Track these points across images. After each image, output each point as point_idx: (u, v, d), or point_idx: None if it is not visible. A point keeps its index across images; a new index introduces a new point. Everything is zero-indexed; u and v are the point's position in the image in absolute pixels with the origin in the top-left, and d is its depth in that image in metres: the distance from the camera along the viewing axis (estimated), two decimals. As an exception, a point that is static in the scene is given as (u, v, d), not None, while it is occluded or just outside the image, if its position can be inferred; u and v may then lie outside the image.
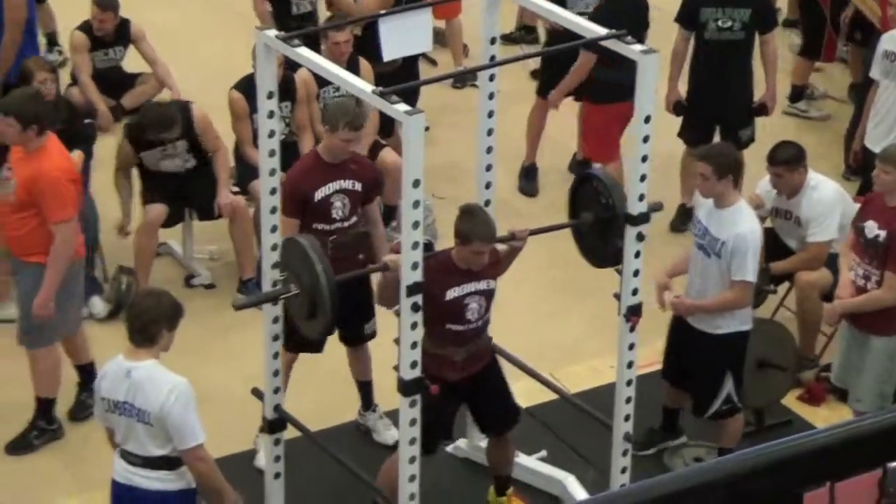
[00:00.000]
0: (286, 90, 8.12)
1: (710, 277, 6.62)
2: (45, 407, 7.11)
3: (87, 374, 7.19)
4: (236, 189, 8.25)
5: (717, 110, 8.60)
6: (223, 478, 5.63)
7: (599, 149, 8.84)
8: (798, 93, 10.30)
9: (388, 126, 8.56)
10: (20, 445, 7.07)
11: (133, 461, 5.56)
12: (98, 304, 8.00)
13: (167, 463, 5.53)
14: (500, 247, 6.16)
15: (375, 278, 6.70)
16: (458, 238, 5.97)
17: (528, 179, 9.37)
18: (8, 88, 8.72)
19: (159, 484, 5.55)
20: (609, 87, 8.44)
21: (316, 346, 6.80)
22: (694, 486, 1.81)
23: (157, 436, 5.48)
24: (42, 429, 7.11)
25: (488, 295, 6.12)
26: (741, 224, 6.53)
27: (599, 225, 6.16)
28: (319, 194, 6.68)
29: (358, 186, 6.78)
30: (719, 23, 8.49)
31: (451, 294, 6.00)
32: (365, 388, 7.18)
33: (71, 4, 9.88)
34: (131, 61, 9.49)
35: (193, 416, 5.47)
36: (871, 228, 6.73)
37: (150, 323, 5.47)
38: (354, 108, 6.73)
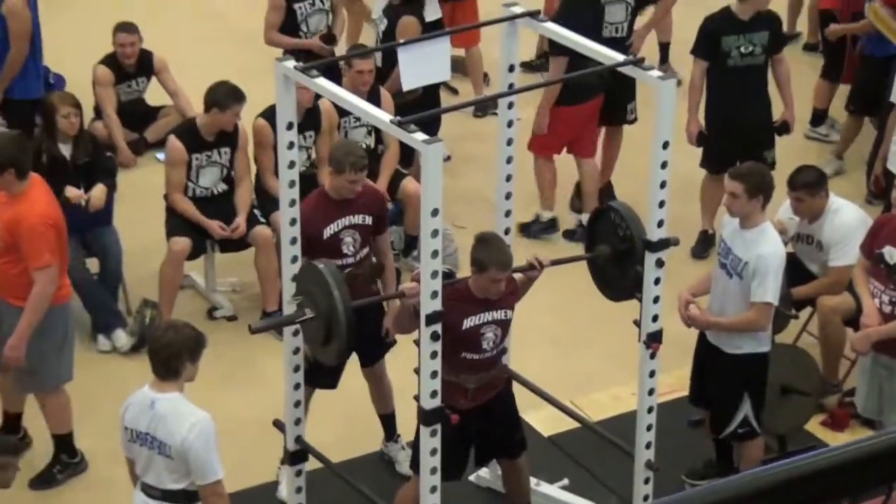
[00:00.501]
0: (312, 119, 8.17)
1: (731, 297, 6.61)
2: (64, 441, 7.12)
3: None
4: (262, 220, 8.26)
5: (742, 135, 8.61)
6: None
7: (582, 147, 9.06)
8: (820, 117, 10.29)
9: (409, 156, 8.58)
10: (44, 480, 7.08)
11: (152, 494, 5.57)
12: (122, 338, 8.02)
13: (185, 497, 5.53)
14: (518, 276, 6.16)
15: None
16: (474, 266, 5.98)
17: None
18: (7, 103, 8.81)
19: None
20: (580, 88, 8.58)
21: (331, 382, 6.81)
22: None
23: (177, 469, 5.49)
24: (65, 463, 7.12)
25: (504, 325, 6.13)
26: (764, 245, 6.52)
27: (617, 257, 6.17)
28: (328, 232, 6.69)
29: (368, 220, 6.78)
30: (742, 49, 8.52)
31: (468, 323, 6.01)
32: (387, 420, 7.18)
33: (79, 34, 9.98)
34: (151, 94, 9.54)
35: (214, 452, 5.48)
36: (892, 254, 6.69)
37: (173, 357, 5.48)
38: (359, 150, 6.76)
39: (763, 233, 6.56)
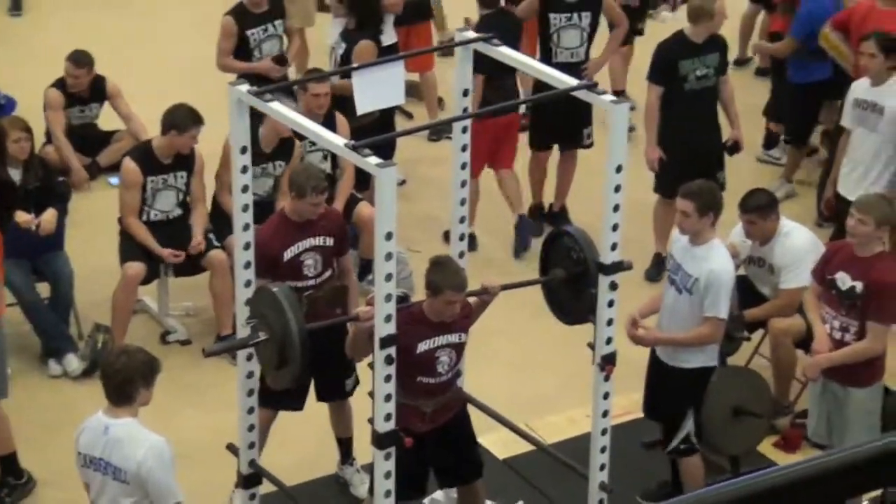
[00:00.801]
0: (286, 150, 8.15)
1: (679, 313, 6.66)
2: (7, 464, 7.04)
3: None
4: (217, 244, 8.24)
5: (698, 159, 8.67)
6: None
7: (502, 159, 9.23)
8: (772, 141, 10.38)
9: (364, 180, 8.59)
10: None
11: None
12: (73, 362, 7.98)
13: None
14: (471, 299, 6.18)
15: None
16: (428, 289, 5.99)
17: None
18: None
19: None
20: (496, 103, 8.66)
21: (296, 404, 6.80)
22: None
23: (132, 494, 5.45)
24: (12, 486, 7.05)
25: (459, 348, 6.14)
26: (715, 261, 6.58)
27: (571, 281, 6.21)
28: (288, 254, 6.69)
29: (329, 241, 6.79)
30: (697, 72, 8.62)
31: (423, 347, 6.01)
32: (344, 444, 7.16)
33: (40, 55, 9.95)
34: (104, 118, 9.52)
35: (172, 475, 5.45)
36: (845, 280, 6.73)
37: (126, 382, 5.45)
38: (318, 172, 6.77)
39: (713, 248, 6.63)
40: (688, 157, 8.63)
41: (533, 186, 9.55)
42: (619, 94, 10.73)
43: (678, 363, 6.73)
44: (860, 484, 2.00)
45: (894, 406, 7.01)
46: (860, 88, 8.42)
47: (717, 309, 6.56)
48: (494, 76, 8.67)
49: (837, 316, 6.76)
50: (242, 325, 6.07)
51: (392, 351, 5.52)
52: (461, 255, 6.50)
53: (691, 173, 8.46)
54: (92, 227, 8.84)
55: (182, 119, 7.95)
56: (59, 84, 9.37)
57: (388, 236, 5.35)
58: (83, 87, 9.33)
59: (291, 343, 5.61)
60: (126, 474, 5.41)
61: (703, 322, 6.59)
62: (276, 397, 6.47)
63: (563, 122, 9.17)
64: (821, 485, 1.91)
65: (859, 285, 6.66)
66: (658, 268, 8.83)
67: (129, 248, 8.08)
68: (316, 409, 7.03)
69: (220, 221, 8.23)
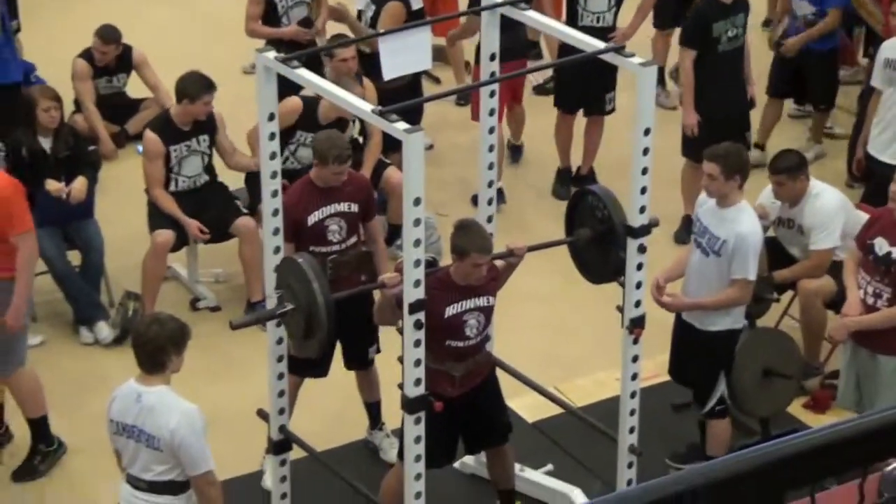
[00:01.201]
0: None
1: (706, 276, 6.65)
2: (40, 428, 7.09)
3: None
4: (245, 210, 8.27)
5: (729, 119, 8.66)
6: None
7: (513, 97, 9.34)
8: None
9: (394, 141, 8.57)
10: (26, 472, 7.07)
11: (138, 485, 5.58)
12: (104, 330, 8.02)
13: (172, 488, 5.55)
14: (498, 262, 6.18)
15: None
16: (454, 253, 5.99)
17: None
18: None
19: None
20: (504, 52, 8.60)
21: (320, 371, 6.82)
22: (670, 495, 1.82)
23: (165, 461, 5.50)
24: (44, 452, 7.10)
25: (487, 311, 6.14)
26: (743, 223, 6.57)
27: (597, 240, 6.20)
28: (312, 219, 6.70)
29: (354, 208, 6.80)
30: (729, 33, 8.62)
31: (451, 311, 6.02)
32: (373, 408, 7.19)
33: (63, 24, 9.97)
34: (132, 86, 9.54)
35: (204, 443, 5.50)
36: (882, 245, 6.65)
37: (157, 351, 5.49)
38: (342, 141, 6.76)
39: (741, 211, 6.61)
40: (721, 119, 8.60)
41: (560, 149, 9.54)
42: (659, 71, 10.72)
43: (705, 326, 6.73)
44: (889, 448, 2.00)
45: None
46: (890, 48, 8.36)
47: (745, 271, 6.55)
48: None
49: (871, 281, 6.69)
50: (270, 294, 6.10)
51: (421, 316, 5.53)
52: (490, 219, 6.50)
53: (721, 136, 8.46)
54: (122, 194, 8.87)
55: (193, 87, 7.97)
56: (87, 55, 9.39)
57: (417, 202, 5.35)
58: (110, 61, 9.36)
59: (318, 313, 5.63)
60: (159, 441, 5.46)
61: (731, 284, 6.58)
62: (301, 364, 6.50)
63: (587, 87, 9.14)
64: (850, 448, 1.91)
65: (895, 251, 6.59)
66: (687, 230, 8.79)
67: (158, 215, 8.11)
68: (344, 375, 7.05)
69: (253, 188, 8.24)
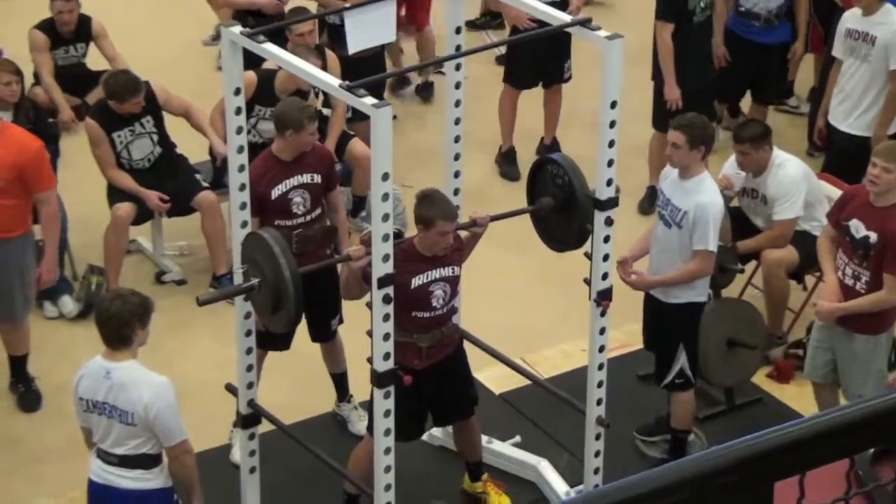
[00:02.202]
0: (270, 96, 8.11)
1: (670, 248, 6.67)
2: (20, 364, 7.38)
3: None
4: (206, 184, 8.24)
5: (703, 90, 8.72)
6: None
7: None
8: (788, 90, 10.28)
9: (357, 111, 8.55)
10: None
11: (110, 460, 5.59)
12: (69, 304, 8.00)
13: (145, 462, 5.58)
14: (463, 234, 6.20)
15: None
16: (420, 224, 6.00)
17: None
18: None
19: (137, 483, 5.59)
20: None
21: (283, 344, 6.83)
22: (656, 489, 1.84)
23: (138, 435, 5.52)
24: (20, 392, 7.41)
25: (453, 282, 6.16)
26: (703, 194, 6.58)
27: (559, 208, 6.22)
28: (276, 192, 6.69)
29: (317, 179, 6.79)
30: (701, 3, 8.63)
31: (417, 282, 6.04)
32: (339, 380, 7.21)
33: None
34: (92, 59, 9.46)
35: (177, 414, 5.55)
36: (859, 228, 6.56)
37: (122, 326, 5.49)
38: (303, 103, 6.74)
39: (701, 182, 6.62)
40: (695, 90, 8.63)
41: (504, 128, 9.40)
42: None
43: (668, 299, 6.74)
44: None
45: None
46: (851, 18, 8.39)
47: (706, 241, 6.57)
48: None
49: (850, 263, 6.60)
50: (237, 269, 6.09)
51: (390, 290, 5.54)
52: (456, 192, 6.51)
53: (698, 105, 8.49)
54: (84, 168, 8.80)
55: (119, 90, 7.93)
56: (43, 25, 9.29)
57: (385, 177, 5.35)
58: (72, 25, 9.24)
59: (285, 288, 5.64)
60: (133, 416, 5.47)
61: (692, 256, 6.60)
62: (264, 337, 6.49)
63: (545, 59, 9.13)
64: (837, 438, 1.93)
65: (873, 236, 6.48)
66: (651, 200, 8.84)
67: (117, 190, 8.07)
68: (311, 348, 7.06)
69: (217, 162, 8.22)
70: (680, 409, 6.89)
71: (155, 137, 8.10)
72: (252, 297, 5.93)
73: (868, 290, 6.55)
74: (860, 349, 6.67)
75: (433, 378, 6.25)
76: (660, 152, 8.72)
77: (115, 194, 8.06)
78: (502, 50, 10.05)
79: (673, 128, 6.64)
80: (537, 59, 9.14)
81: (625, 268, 6.73)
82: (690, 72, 8.68)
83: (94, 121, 8.02)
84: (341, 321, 6.99)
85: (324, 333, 7.00)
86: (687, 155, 6.58)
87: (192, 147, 8.44)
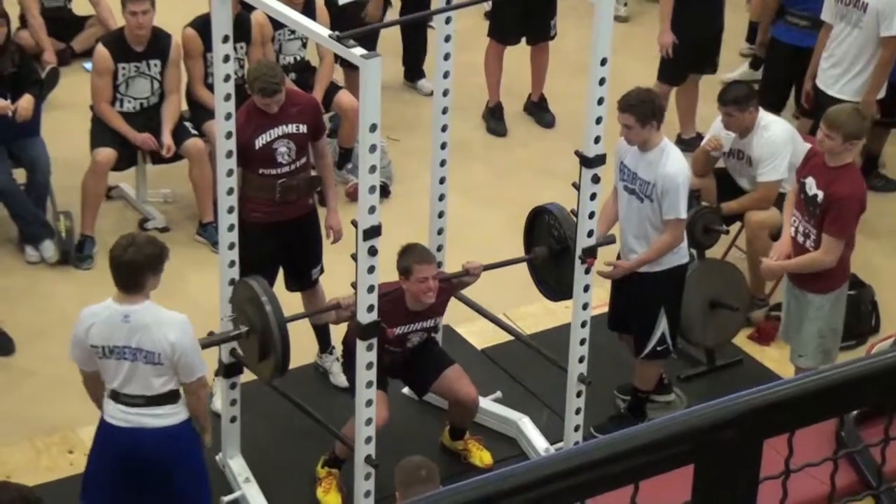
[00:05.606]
0: (241, 31, 8.06)
1: (647, 222, 6.56)
2: None
3: None
4: (194, 132, 8.19)
5: (708, 42, 8.69)
6: None
7: None
8: (755, 32, 10.29)
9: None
10: None
11: (136, 402, 5.60)
12: (50, 248, 7.96)
13: (170, 398, 5.64)
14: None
15: (323, 219, 6.81)
16: (401, 275, 6.14)
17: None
18: None
19: (168, 419, 5.63)
20: None
21: None
22: (651, 442, 1.84)
23: (164, 373, 5.57)
24: None
25: (431, 331, 6.42)
26: (668, 164, 6.46)
27: (553, 258, 6.41)
28: (260, 142, 6.64)
29: (303, 129, 6.73)
30: None
31: (398, 331, 6.24)
32: (321, 331, 7.21)
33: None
34: (77, 3, 9.41)
35: (199, 349, 5.66)
36: (811, 186, 6.58)
37: (135, 273, 5.51)
38: (270, 73, 6.55)
39: (663, 151, 6.50)
40: (699, 44, 8.59)
41: (491, 83, 9.33)
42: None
43: (652, 268, 6.62)
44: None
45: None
46: (842, -18, 8.36)
47: (676, 210, 6.47)
48: None
49: (802, 220, 6.64)
50: (222, 215, 6.09)
51: (376, 242, 5.53)
52: (444, 145, 6.49)
53: (695, 61, 8.45)
54: (68, 112, 8.76)
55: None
56: (28, -34, 9.22)
57: (373, 128, 5.33)
58: None
59: (272, 336, 5.82)
60: (160, 356, 5.52)
61: (664, 225, 6.54)
62: None
63: (530, 15, 9.09)
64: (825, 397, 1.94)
65: (821, 194, 6.51)
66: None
67: (100, 133, 8.01)
68: (292, 299, 7.05)
69: (198, 107, 8.17)
70: (648, 371, 6.86)
71: (156, 84, 8.04)
72: (240, 344, 6.06)
73: (815, 248, 6.57)
74: (809, 307, 6.70)
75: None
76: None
77: (98, 138, 8.00)
78: (489, 6, 10.02)
79: (620, 110, 6.44)
80: (523, 15, 9.10)
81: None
82: (697, 20, 8.63)
83: (105, 49, 7.91)
84: (322, 271, 6.98)
85: (304, 282, 6.99)
86: (641, 132, 6.44)
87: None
